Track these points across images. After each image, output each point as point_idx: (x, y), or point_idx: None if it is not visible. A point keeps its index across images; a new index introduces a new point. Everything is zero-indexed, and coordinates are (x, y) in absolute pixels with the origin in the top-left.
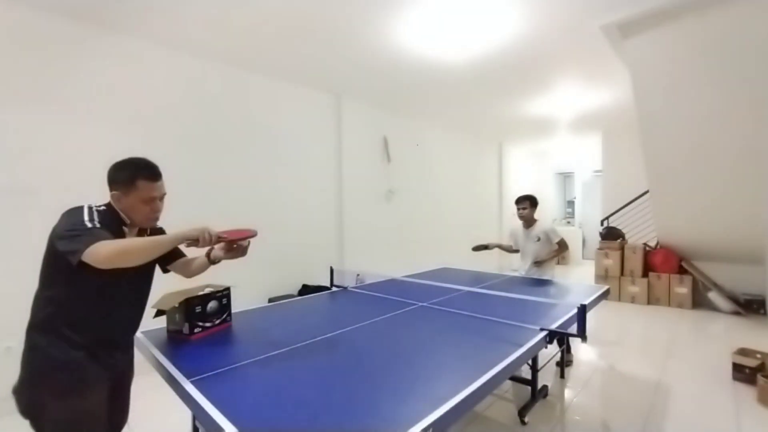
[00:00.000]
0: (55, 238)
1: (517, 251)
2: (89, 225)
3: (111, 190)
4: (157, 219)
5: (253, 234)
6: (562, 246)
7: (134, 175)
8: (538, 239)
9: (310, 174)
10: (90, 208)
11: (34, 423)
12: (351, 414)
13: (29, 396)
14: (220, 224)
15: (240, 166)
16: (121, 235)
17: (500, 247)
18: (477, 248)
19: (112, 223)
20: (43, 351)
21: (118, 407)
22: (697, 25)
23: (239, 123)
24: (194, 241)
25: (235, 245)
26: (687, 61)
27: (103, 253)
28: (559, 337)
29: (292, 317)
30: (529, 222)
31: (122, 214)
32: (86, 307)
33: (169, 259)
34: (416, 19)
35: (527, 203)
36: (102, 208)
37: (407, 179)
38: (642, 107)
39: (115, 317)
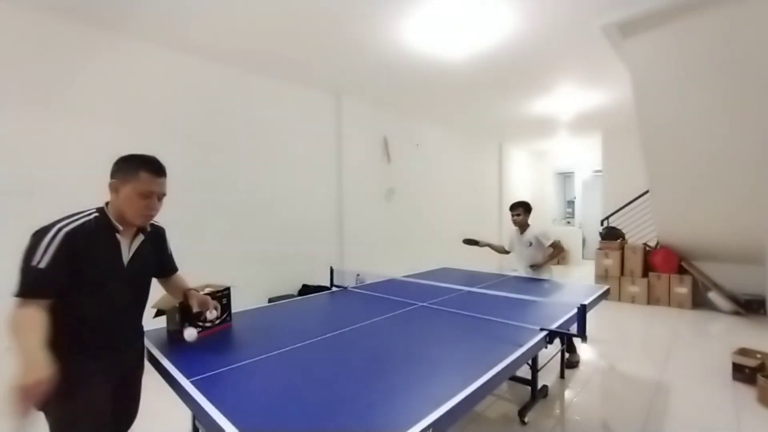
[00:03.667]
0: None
1: (507, 252)
2: (33, 265)
3: (110, 179)
4: (150, 217)
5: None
6: (557, 247)
7: (139, 165)
8: (530, 244)
9: (310, 174)
10: (58, 231)
11: (45, 416)
12: (351, 414)
13: None
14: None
15: (240, 166)
16: (112, 243)
17: (490, 246)
18: (467, 241)
19: (99, 233)
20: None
21: (123, 407)
22: (697, 25)
23: (239, 123)
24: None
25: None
26: (687, 61)
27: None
28: (560, 337)
29: (292, 317)
30: (523, 227)
31: (113, 220)
32: (92, 315)
33: (167, 271)
34: (416, 19)
35: (521, 209)
36: (92, 215)
37: (407, 179)
38: (642, 107)
39: (115, 321)
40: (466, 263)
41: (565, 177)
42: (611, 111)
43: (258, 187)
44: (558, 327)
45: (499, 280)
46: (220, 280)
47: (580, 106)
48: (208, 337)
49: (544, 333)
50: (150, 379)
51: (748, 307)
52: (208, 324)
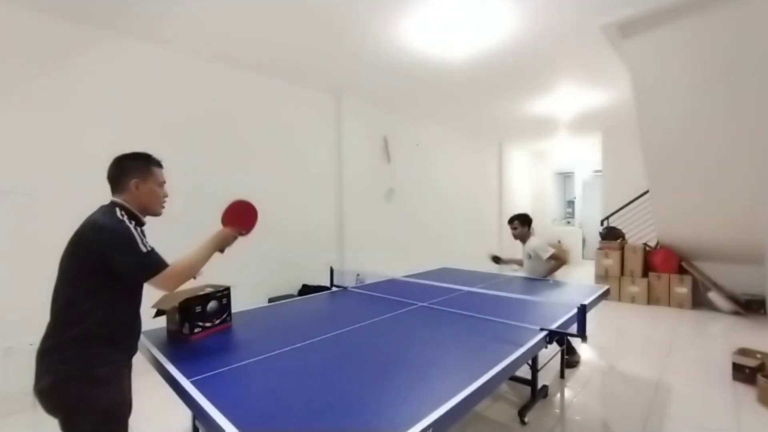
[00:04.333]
0: (112, 256)
1: None
2: (147, 249)
3: (129, 179)
4: (164, 204)
5: (251, 211)
6: (558, 259)
7: (148, 162)
8: (530, 257)
9: (310, 174)
10: (130, 224)
11: (70, 417)
12: (351, 414)
13: (69, 391)
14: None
15: (240, 166)
16: (142, 236)
17: (513, 261)
18: (493, 259)
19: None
20: (86, 353)
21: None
22: (697, 25)
23: (239, 123)
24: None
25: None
26: (687, 60)
27: (173, 280)
28: (559, 337)
29: (292, 317)
30: (523, 239)
31: (135, 212)
32: (128, 310)
33: None
34: (416, 19)
35: (517, 222)
36: (121, 211)
37: (407, 179)
38: (642, 107)
39: (138, 312)
40: (467, 263)
41: (565, 177)
42: (611, 111)
43: (258, 187)
44: (558, 327)
45: (499, 280)
46: (220, 280)
47: (580, 106)
48: (208, 337)
49: (544, 333)
50: (150, 379)
51: (748, 307)
52: (207, 324)
